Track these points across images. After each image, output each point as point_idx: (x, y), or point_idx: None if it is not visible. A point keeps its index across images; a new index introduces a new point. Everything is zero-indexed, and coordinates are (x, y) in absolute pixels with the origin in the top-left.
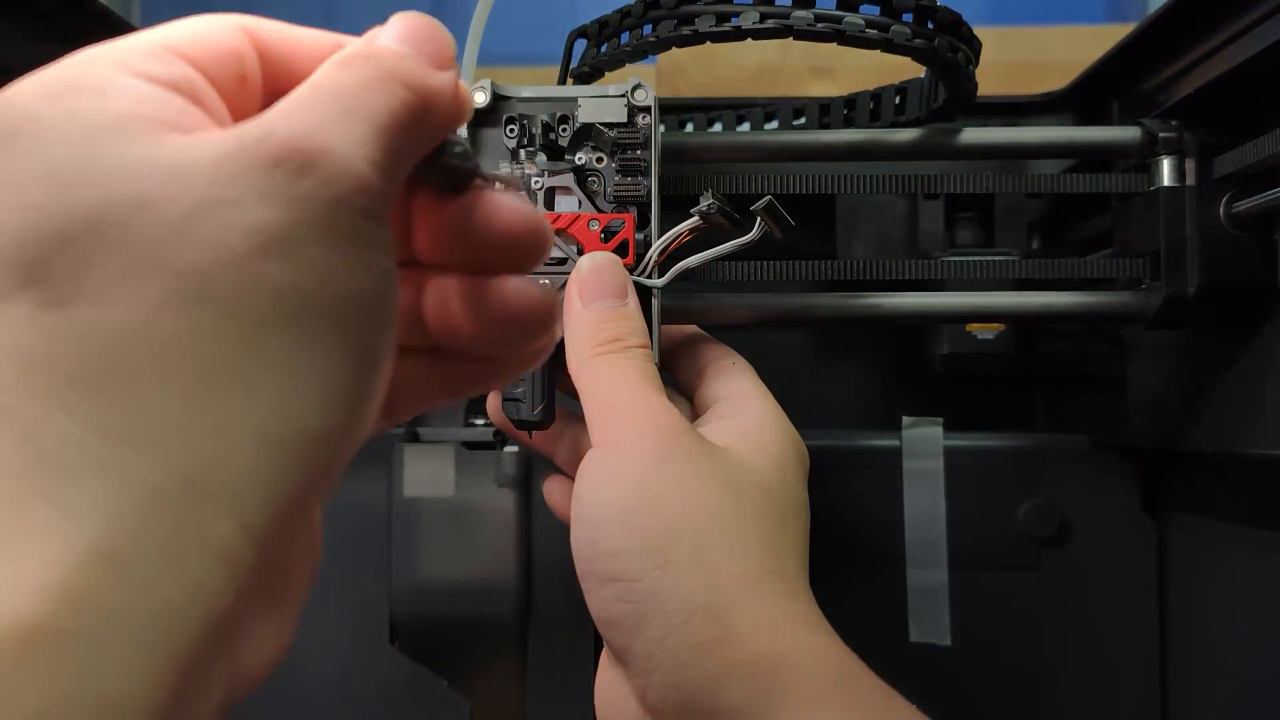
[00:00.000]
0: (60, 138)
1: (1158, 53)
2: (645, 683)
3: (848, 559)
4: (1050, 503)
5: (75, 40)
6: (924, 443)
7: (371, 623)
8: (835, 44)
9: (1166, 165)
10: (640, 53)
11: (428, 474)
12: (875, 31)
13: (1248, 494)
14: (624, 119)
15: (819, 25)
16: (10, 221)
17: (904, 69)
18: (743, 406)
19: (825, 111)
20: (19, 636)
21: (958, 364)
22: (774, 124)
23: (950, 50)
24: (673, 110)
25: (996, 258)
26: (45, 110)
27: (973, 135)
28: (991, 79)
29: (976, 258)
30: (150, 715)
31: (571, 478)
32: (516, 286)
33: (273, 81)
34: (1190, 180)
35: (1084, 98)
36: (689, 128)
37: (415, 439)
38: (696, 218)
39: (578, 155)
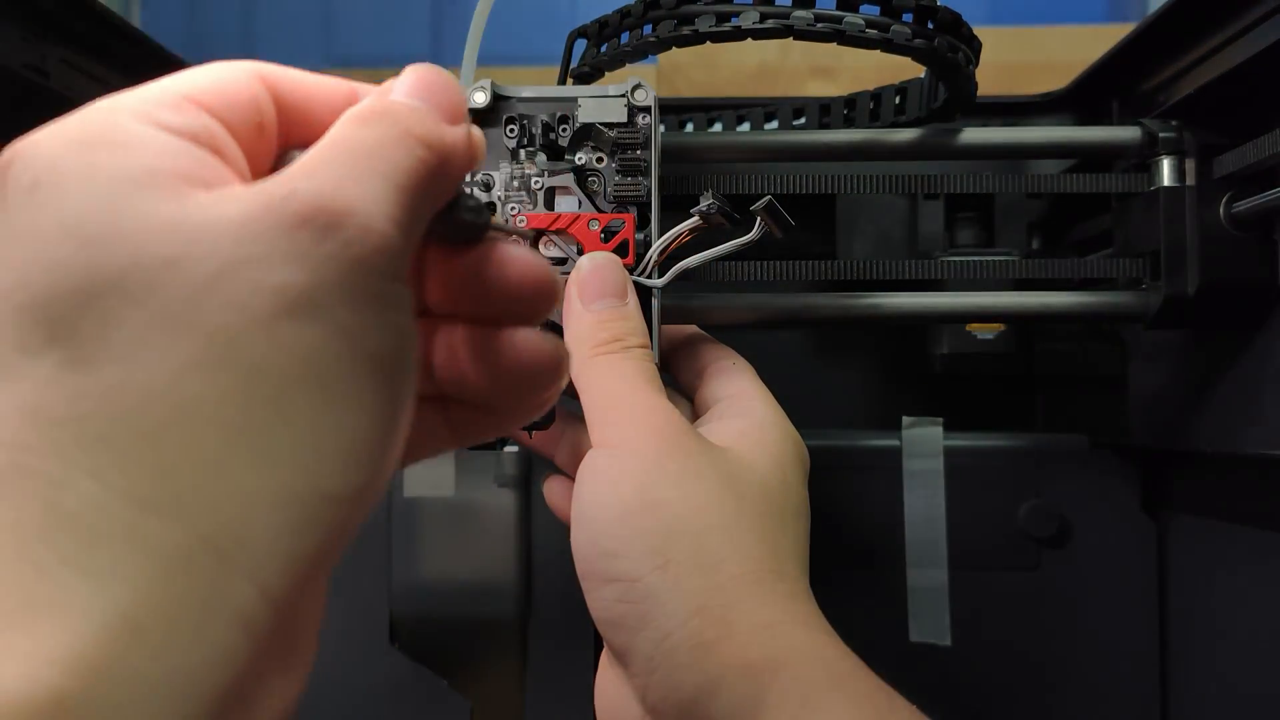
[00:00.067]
0: (84, 191)
1: (1158, 53)
2: (645, 683)
3: (848, 559)
4: (1050, 503)
5: (75, 41)
6: (924, 443)
7: (371, 623)
8: (835, 44)
9: (1166, 165)
10: (640, 53)
11: (428, 474)
12: (875, 31)
13: (1248, 494)
14: (624, 119)
15: (819, 25)
16: (34, 278)
17: (904, 69)
18: (743, 407)
19: (825, 111)
20: (41, 708)
21: (958, 364)
22: (774, 124)
23: (950, 50)
24: (673, 110)
25: (996, 258)
26: (68, 162)
27: (973, 135)
28: (991, 79)
29: (976, 258)
30: None
31: (571, 478)
32: (526, 338)
33: (287, 129)
34: (1190, 180)
35: (1084, 98)
36: (689, 128)
37: None
38: (696, 218)
39: (578, 155)
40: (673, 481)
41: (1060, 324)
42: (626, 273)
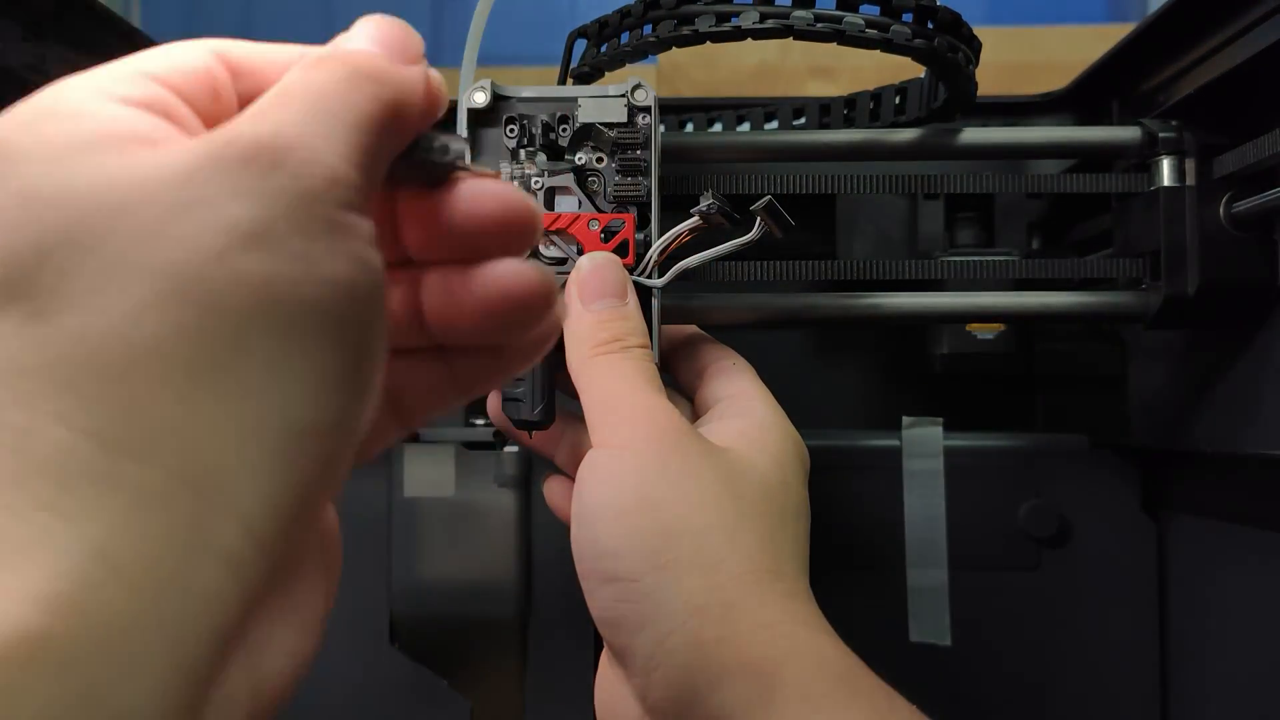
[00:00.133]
0: (33, 159)
1: (1158, 53)
2: (645, 683)
3: (848, 559)
4: (1050, 503)
5: (75, 41)
6: (924, 443)
7: (371, 623)
8: (835, 44)
9: (1166, 165)
10: (640, 53)
11: (428, 474)
12: (875, 31)
13: (1248, 494)
14: (624, 119)
15: (819, 25)
16: None
17: (904, 69)
18: (743, 407)
19: (825, 111)
20: (21, 647)
21: (958, 364)
22: (774, 124)
23: (950, 50)
24: (673, 110)
25: (996, 258)
26: (18, 136)
27: (973, 135)
28: (991, 79)
29: (976, 258)
30: None
31: (571, 478)
32: (511, 268)
33: (247, 98)
34: (1190, 180)
35: (1084, 98)
36: (689, 128)
37: (415, 439)
38: (696, 218)
39: (578, 155)
40: (673, 481)
41: (1060, 324)
42: (626, 273)
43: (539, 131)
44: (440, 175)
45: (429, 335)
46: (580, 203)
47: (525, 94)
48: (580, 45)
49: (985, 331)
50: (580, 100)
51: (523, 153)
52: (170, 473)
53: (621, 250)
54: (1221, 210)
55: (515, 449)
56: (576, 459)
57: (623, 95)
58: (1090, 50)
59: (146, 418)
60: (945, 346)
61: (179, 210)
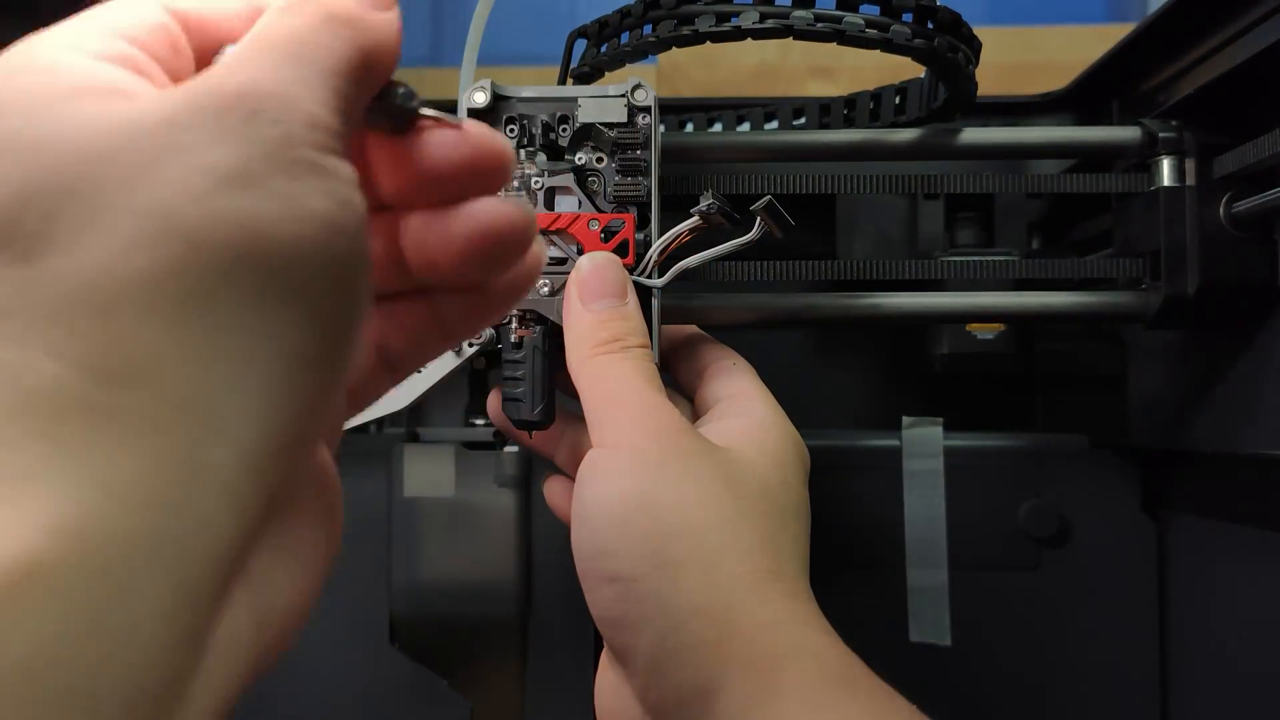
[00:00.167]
0: (12, 111)
1: (1158, 53)
2: (645, 682)
3: (848, 559)
4: (1050, 503)
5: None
6: (924, 443)
7: (371, 623)
8: (835, 44)
9: (1166, 165)
10: (640, 53)
11: (428, 474)
12: (875, 31)
13: (1248, 494)
14: (624, 119)
15: (819, 25)
16: None
17: (904, 69)
18: (743, 407)
19: (825, 111)
20: (19, 571)
21: (958, 364)
22: (774, 124)
23: (950, 50)
24: (673, 110)
25: (996, 258)
26: None
27: (973, 135)
28: (991, 79)
29: (976, 258)
30: (164, 650)
31: (571, 478)
32: (488, 205)
33: (201, 49)
34: (1190, 180)
35: (1084, 98)
36: (689, 128)
37: (415, 439)
38: (696, 218)
39: (578, 155)
40: (673, 481)
41: (1060, 324)
42: (626, 272)
43: (539, 131)
44: (406, 122)
45: (411, 278)
46: (580, 203)
47: (525, 94)
48: (580, 45)
49: (985, 331)
50: (580, 100)
51: (523, 152)
52: (162, 400)
53: (621, 250)
54: (1221, 210)
55: (515, 449)
56: (576, 459)
57: (623, 95)
58: (1090, 50)
59: (137, 348)
60: (945, 346)
61: (161, 155)
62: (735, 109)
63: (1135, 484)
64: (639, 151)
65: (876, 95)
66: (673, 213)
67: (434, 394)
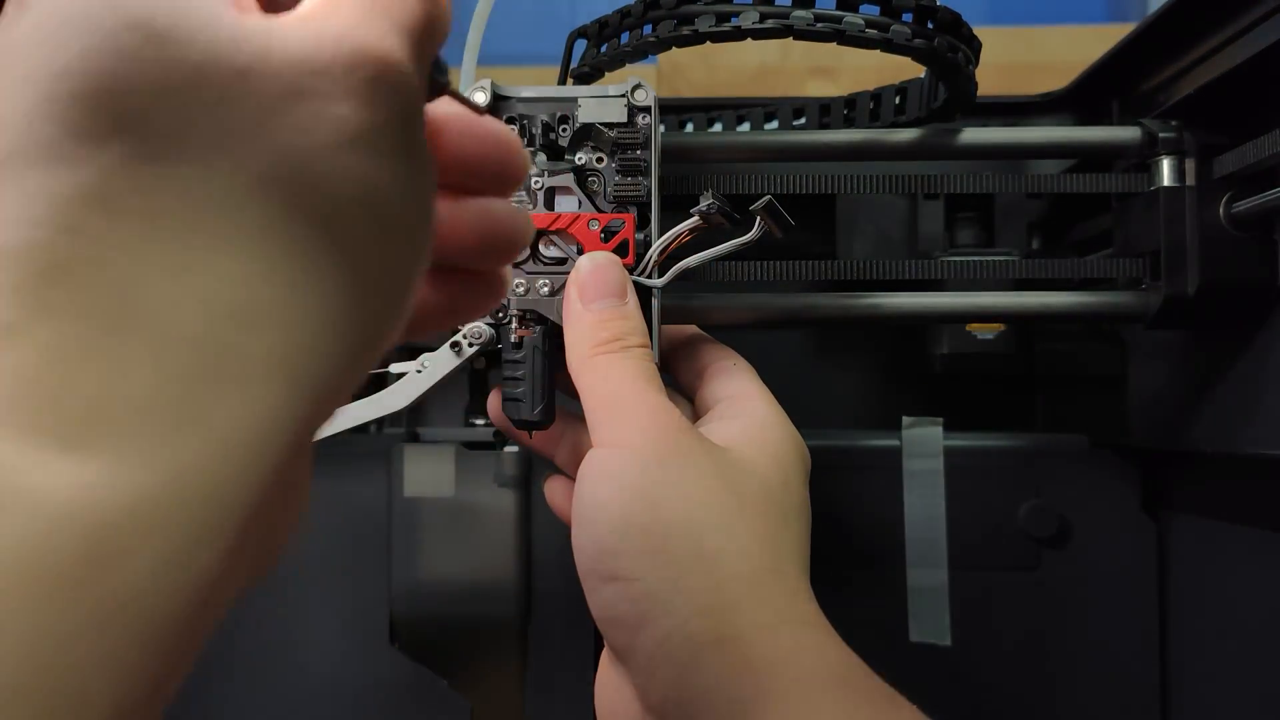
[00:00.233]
0: (159, 3)
1: (1158, 53)
2: (646, 682)
3: (848, 559)
4: (1050, 503)
5: None
6: (924, 443)
7: (371, 623)
8: (835, 44)
9: (1166, 165)
10: (640, 53)
11: (428, 474)
12: (875, 31)
13: (1248, 494)
14: (624, 119)
15: (819, 25)
16: (96, 65)
17: (904, 69)
18: (744, 407)
19: (825, 111)
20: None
21: (958, 364)
22: (774, 124)
23: (950, 50)
24: (673, 110)
25: (996, 258)
26: None
27: (973, 135)
28: (991, 79)
29: (976, 258)
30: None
31: (572, 478)
32: (504, 207)
33: None
34: (1190, 180)
35: (1084, 98)
36: (689, 128)
37: (415, 439)
38: (696, 218)
39: (578, 155)
40: (674, 481)
41: (1060, 324)
42: (626, 272)
43: (539, 131)
44: (434, 96)
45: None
46: (580, 203)
47: (525, 94)
48: (580, 45)
49: (985, 331)
50: (580, 100)
51: None
52: (265, 348)
53: (621, 250)
54: (1221, 210)
55: (515, 449)
56: (577, 459)
57: (623, 95)
58: (1090, 50)
59: (252, 290)
60: (945, 346)
61: (297, 95)
62: (735, 109)
63: (1135, 484)
64: (639, 151)
65: (876, 95)
66: (673, 213)
67: (434, 394)
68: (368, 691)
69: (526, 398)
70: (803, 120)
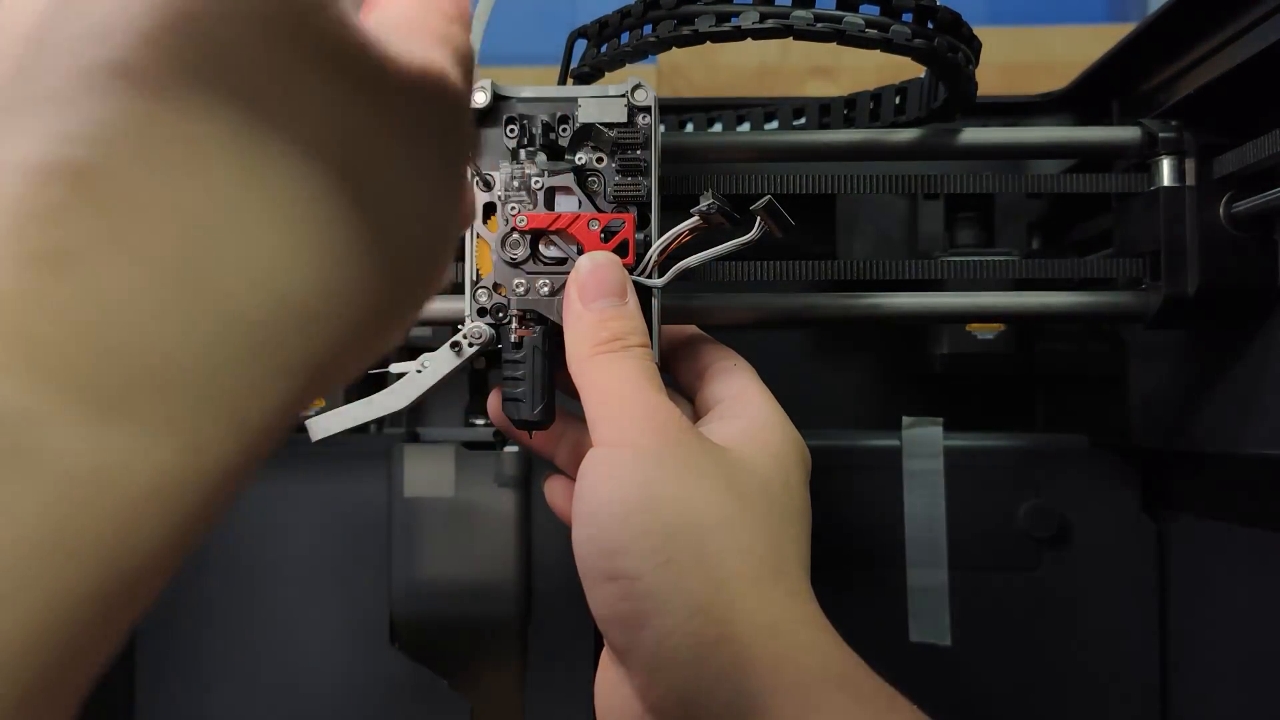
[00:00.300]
0: None
1: (1158, 53)
2: (646, 682)
3: (848, 559)
4: (1050, 503)
5: None
6: (924, 443)
7: (371, 623)
8: (835, 44)
9: (1166, 165)
10: (640, 53)
11: (428, 474)
12: (875, 31)
13: (1248, 494)
14: (624, 119)
15: (819, 25)
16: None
17: (904, 69)
18: (744, 407)
19: (825, 111)
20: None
21: (958, 364)
22: (774, 124)
23: (950, 50)
24: (673, 110)
25: (996, 258)
26: None
27: (973, 135)
28: (991, 79)
29: (976, 258)
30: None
31: (572, 478)
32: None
33: None
34: (1190, 180)
35: (1084, 98)
36: (689, 128)
37: (415, 439)
38: (696, 218)
39: (578, 155)
40: (674, 480)
41: (1060, 324)
42: (626, 272)
43: (539, 131)
44: None
45: None
46: (580, 203)
47: (525, 94)
48: (580, 45)
49: (985, 331)
50: (580, 100)
51: (523, 153)
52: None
53: (621, 250)
54: (1221, 210)
55: (515, 449)
56: (577, 459)
57: (623, 95)
58: (1090, 50)
59: (307, 272)
60: (945, 346)
61: (393, 96)
62: (735, 109)
63: (1135, 484)
64: (639, 151)
65: (876, 95)
66: (673, 213)
67: (434, 394)
68: (368, 691)
69: (526, 398)
70: (803, 120)
